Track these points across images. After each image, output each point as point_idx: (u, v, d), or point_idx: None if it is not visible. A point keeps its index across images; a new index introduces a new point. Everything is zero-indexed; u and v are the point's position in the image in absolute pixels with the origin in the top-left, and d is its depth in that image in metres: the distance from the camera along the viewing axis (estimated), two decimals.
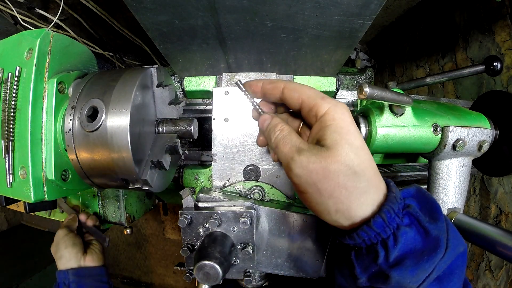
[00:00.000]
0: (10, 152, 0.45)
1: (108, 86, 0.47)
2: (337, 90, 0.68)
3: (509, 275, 1.09)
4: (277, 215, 0.54)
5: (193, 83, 0.67)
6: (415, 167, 0.95)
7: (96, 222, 0.94)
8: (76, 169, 0.49)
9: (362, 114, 0.59)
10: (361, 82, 1.09)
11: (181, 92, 0.70)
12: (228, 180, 0.61)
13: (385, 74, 1.91)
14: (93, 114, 0.46)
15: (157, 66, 0.52)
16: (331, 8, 0.44)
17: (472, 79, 1.23)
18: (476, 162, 0.73)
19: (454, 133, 0.58)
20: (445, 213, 0.63)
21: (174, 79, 0.91)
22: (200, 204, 0.52)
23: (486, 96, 0.72)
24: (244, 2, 0.43)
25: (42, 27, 0.81)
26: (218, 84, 0.67)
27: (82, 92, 0.48)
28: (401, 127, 0.56)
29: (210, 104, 0.77)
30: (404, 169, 0.92)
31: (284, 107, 0.46)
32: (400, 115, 0.56)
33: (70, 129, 0.46)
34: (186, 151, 0.74)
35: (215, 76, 0.67)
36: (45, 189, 0.47)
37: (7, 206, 0.88)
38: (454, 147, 0.58)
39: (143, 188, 0.49)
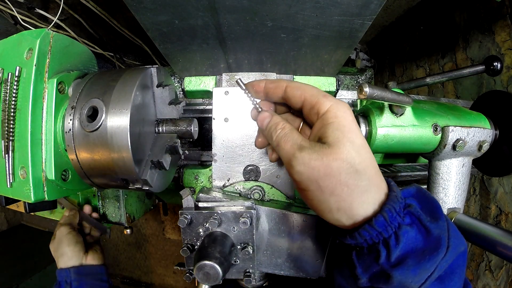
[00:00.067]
0: (10, 152, 0.45)
1: (108, 86, 0.47)
2: (337, 90, 0.68)
3: (509, 275, 1.09)
4: (277, 215, 0.54)
5: (193, 83, 0.67)
6: (415, 167, 0.95)
7: (97, 216, 0.97)
8: (76, 169, 0.49)
9: (362, 114, 0.59)
10: (361, 82, 1.09)
11: (181, 92, 0.70)
12: (228, 180, 0.61)
13: (385, 74, 1.91)
14: (93, 114, 0.46)
15: (157, 66, 0.52)
16: (331, 8, 0.44)
17: (472, 79, 1.23)
18: (476, 162, 0.73)
19: (454, 133, 0.58)
20: (445, 213, 0.63)
21: (174, 79, 0.91)
22: (200, 204, 0.52)
23: (486, 96, 0.72)
24: (244, 2, 0.43)
25: (42, 27, 0.81)
26: (218, 84, 0.67)
27: (82, 92, 0.48)
28: (401, 127, 0.56)
29: (210, 104, 0.76)
30: (404, 169, 0.92)
31: (284, 107, 0.46)
32: (400, 115, 0.56)
33: (70, 129, 0.46)
34: (186, 151, 0.74)
35: (215, 76, 0.67)
36: (45, 189, 0.47)
37: (7, 206, 0.88)
38: (454, 147, 0.58)
39: (143, 188, 0.49)
